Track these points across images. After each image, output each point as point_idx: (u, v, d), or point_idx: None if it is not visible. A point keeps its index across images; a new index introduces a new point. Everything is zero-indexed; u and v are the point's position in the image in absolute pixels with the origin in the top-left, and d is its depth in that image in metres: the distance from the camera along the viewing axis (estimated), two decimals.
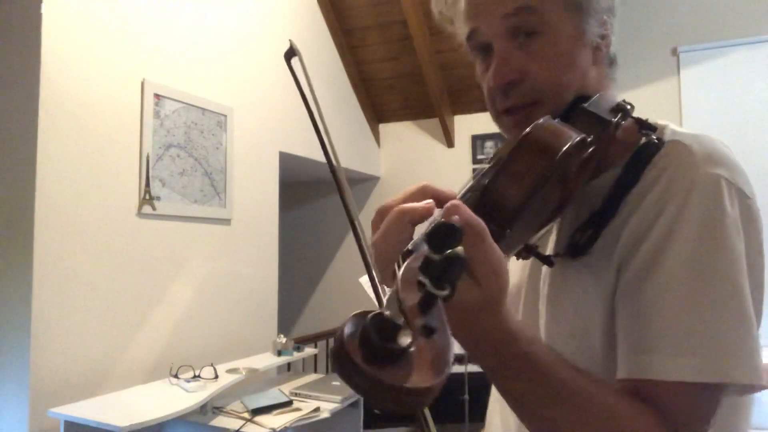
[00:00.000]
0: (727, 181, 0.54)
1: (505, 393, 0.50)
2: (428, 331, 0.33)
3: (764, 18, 3.55)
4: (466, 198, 0.48)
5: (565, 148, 0.46)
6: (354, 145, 4.26)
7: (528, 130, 0.48)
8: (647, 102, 3.78)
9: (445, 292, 0.33)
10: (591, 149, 0.52)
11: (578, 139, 0.48)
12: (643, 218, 0.56)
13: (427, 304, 0.33)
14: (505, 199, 0.45)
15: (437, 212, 0.44)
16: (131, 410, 1.92)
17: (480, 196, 0.46)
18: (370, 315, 0.33)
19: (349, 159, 4.09)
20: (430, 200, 0.47)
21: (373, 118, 4.55)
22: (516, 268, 0.77)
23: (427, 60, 3.88)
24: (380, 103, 4.49)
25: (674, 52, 3.79)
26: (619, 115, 0.57)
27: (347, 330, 0.33)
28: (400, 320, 0.32)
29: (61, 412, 1.88)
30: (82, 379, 2.12)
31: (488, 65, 0.64)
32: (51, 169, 2.03)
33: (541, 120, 0.50)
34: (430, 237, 0.35)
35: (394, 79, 4.27)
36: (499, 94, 0.63)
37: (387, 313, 0.32)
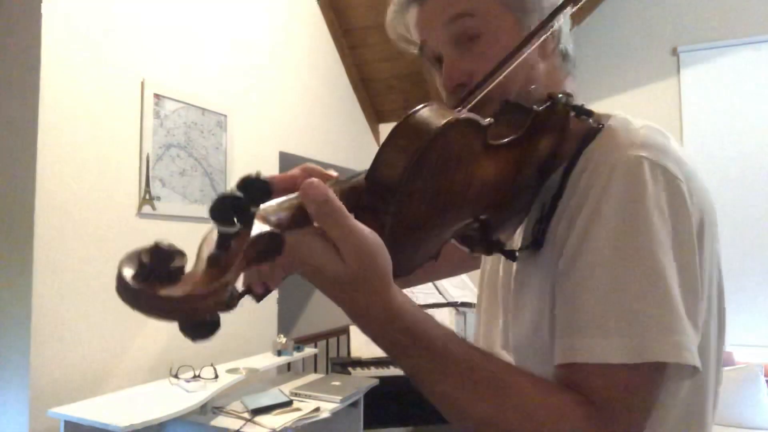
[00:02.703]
0: (650, 162, 0.54)
1: (401, 368, 0.50)
2: (211, 260, 0.36)
3: (765, 18, 3.55)
4: (353, 177, 0.49)
5: (437, 128, 0.48)
6: (354, 145, 4.26)
7: (409, 112, 0.50)
8: (647, 102, 3.78)
9: (230, 229, 0.36)
10: (514, 136, 0.55)
11: (456, 118, 0.50)
12: (574, 207, 0.57)
13: (219, 241, 0.36)
14: (384, 176, 0.47)
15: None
16: (131, 410, 1.92)
17: (365, 176, 0.49)
18: (147, 246, 0.36)
19: (349, 159, 4.09)
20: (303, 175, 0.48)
21: (373, 118, 4.55)
22: (495, 267, 0.78)
23: None
24: (380, 103, 4.49)
25: (674, 52, 3.79)
26: (547, 104, 0.58)
27: (127, 257, 0.35)
28: (174, 249, 0.36)
29: (61, 412, 1.88)
30: (82, 379, 2.12)
31: (442, 74, 0.67)
32: (51, 169, 2.03)
33: (427, 103, 0.52)
34: (236, 185, 0.39)
35: (394, 79, 4.27)
36: (452, 98, 0.66)
37: (162, 242, 0.36)
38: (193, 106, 2.66)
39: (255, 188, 0.39)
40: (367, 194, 0.47)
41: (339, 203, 0.43)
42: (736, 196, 3.39)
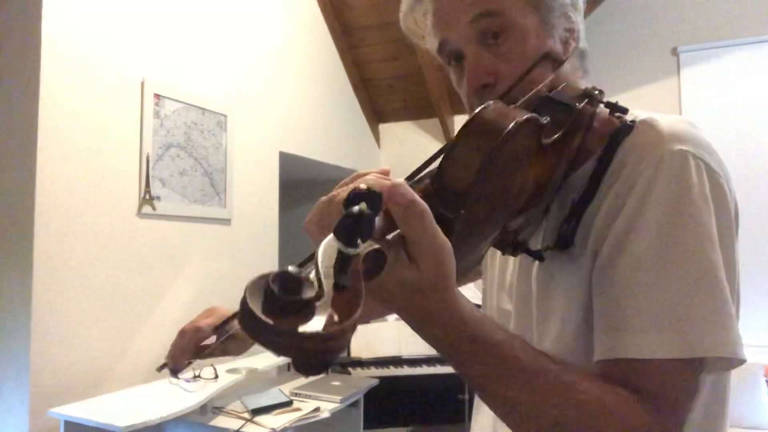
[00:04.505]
0: (693, 156, 0.54)
1: (462, 376, 0.49)
2: (337, 288, 0.33)
3: (764, 18, 3.55)
4: (417, 182, 0.48)
5: (509, 127, 0.46)
6: (354, 145, 4.26)
7: (474, 112, 0.49)
8: (647, 102, 3.78)
9: (356, 250, 0.34)
10: (558, 134, 0.54)
11: (525, 117, 0.49)
12: (614, 200, 0.56)
13: (341, 264, 0.34)
14: (455, 180, 0.46)
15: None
16: (131, 410, 1.92)
17: (431, 180, 0.47)
18: (274, 272, 0.33)
19: (349, 159, 4.09)
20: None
21: (373, 118, 4.55)
22: (502, 268, 0.77)
23: (427, 60, 3.87)
24: (380, 103, 4.49)
25: (674, 52, 3.78)
26: (586, 101, 0.58)
27: (252, 286, 0.33)
28: (304, 274, 0.33)
29: (61, 412, 1.88)
30: (82, 379, 2.12)
31: (462, 73, 0.65)
32: (51, 169, 2.03)
33: (489, 102, 0.50)
34: (346, 201, 0.36)
35: (394, 79, 4.27)
36: (475, 98, 0.64)
37: (291, 269, 0.33)
38: (193, 106, 2.66)
39: (377, 202, 0.36)
40: (437, 200, 0.45)
41: (424, 205, 0.41)
42: (736, 196, 3.38)
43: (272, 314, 0.31)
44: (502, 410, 0.51)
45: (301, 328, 0.31)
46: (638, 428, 0.49)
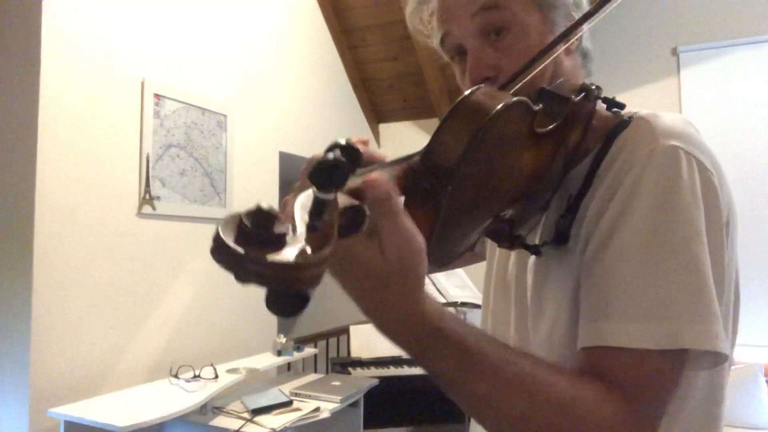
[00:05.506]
0: (684, 152, 0.54)
1: (432, 375, 0.48)
2: (309, 228, 0.34)
3: (764, 18, 3.55)
4: (411, 157, 0.48)
5: (498, 107, 0.47)
6: None
7: (464, 93, 0.49)
8: (647, 102, 3.78)
9: (329, 195, 0.35)
10: (553, 124, 0.54)
11: (515, 99, 0.49)
12: (605, 194, 0.56)
13: (315, 208, 0.35)
14: (443, 156, 0.46)
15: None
16: (131, 410, 1.92)
17: (420, 157, 0.48)
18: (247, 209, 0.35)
19: None
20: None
21: (373, 118, 4.55)
22: (503, 263, 0.77)
23: (427, 60, 3.88)
24: (380, 103, 4.49)
25: (674, 52, 3.79)
26: (582, 94, 0.58)
27: (225, 221, 0.34)
28: (276, 212, 0.35)
29: (61, 412, 1.88)
30: (82, 379, 2.12)
31: (465, 68, 0.66)
32: (51, 169, 2.03)
33: (480, 86, 0.51)
34: (326, 150, 0.37)
35: (394, 79, 4.27)
36: None
37: (263, 205, 0.35)
38: (193, 106, 2.66)
39: (354, 156, 0.37)
40: (424, 175, 0.46)
41: (397, 202, 0.41)
42: (736, 196, 3.37)
43: (243, 245, 0.32)
44: (472, 408, 0.50)
45: (271, 257, 0.32)
46: (610, 421, 0.48)
